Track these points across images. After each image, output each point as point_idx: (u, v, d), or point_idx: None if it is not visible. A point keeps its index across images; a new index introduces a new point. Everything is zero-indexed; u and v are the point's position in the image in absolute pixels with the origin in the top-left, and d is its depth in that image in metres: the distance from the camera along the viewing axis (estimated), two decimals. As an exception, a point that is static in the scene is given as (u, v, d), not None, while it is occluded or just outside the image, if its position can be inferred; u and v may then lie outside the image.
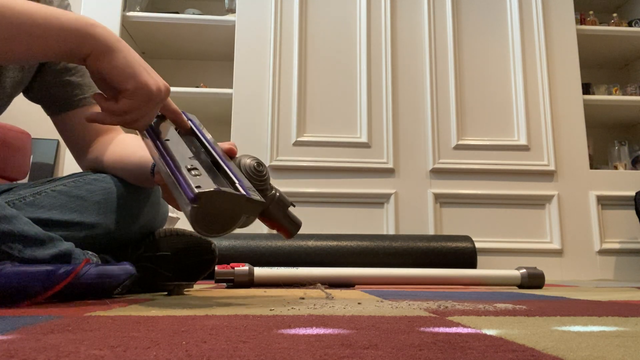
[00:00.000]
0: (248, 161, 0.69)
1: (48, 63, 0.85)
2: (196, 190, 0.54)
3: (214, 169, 0.65)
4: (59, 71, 0.86)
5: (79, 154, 0.93)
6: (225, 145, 0.72)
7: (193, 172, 0.58)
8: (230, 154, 0.71)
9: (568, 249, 2.07)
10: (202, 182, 0.56)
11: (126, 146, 0.88)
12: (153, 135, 0.70)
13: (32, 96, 0.88)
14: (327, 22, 2.21)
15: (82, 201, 0.81)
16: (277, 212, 0.70)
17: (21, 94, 0.88)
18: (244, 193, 0.58)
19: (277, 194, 0.71)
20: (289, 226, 0.72)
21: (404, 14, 2.24)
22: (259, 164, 0.69)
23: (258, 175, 0.68)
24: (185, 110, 0.93)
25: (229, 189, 0.57)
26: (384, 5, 2.23)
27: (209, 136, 0.74)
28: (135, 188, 0.87)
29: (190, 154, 0.65)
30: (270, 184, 0.71)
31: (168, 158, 0.62)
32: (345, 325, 0.42)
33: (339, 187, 2.07)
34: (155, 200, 0.91)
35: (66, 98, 0.87)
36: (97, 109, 0.88)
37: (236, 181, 0.61)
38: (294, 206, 0.73)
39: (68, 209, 0.80)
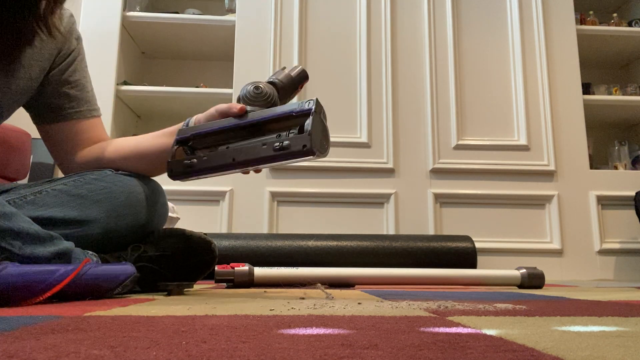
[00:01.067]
0: (248, 87, 0.78)
1: (51, 74, 0.86)
2: (307, 105, 0.70)
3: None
4: (60, 83, 0.87)
5: (64, 159, 0.93)
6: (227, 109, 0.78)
7: (276, 145, 0.70)
8: (240, 111, 0.76)
9: (568, 249, 2.07)
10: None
11: (138, 141, 0.92)
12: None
13: (28, 103, 0.89)
14: (327, 22, 2.21)
15: (83, 200, 0.81)
16: (288, 86, 0.82)
17: None
18: (310, 109, 0.70)
19: (271, 81, 0.81)
20: (301, 81, 0.84)
21: (404, 14, 2.24)
22: (256, 87, 0.77)
23: (260, 97, 0.76)
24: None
25: (308, 120, 0.69)
26: (384, 5, 2.23)
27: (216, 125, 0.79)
28: (135, 187, 0.87)
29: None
30: (272, 91, 0.79)
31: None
32: (345, 325, 0.42)
33: (339, 187, 2.07)
34: (155, 200, 0.91)
35: (61, 109, 0.88)
36: (89, 123, 0.91)
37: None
38: (289, 71, 0.83)
39: (68, 208, 0.80)
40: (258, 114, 0.75)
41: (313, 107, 0.70)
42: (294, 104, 0.73)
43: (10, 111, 0.84)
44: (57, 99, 0.88)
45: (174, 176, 0.77)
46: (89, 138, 0.92)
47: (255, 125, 0.76)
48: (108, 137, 0.97)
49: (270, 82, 0.81)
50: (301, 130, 0.70)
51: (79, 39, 0.90)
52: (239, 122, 0.76)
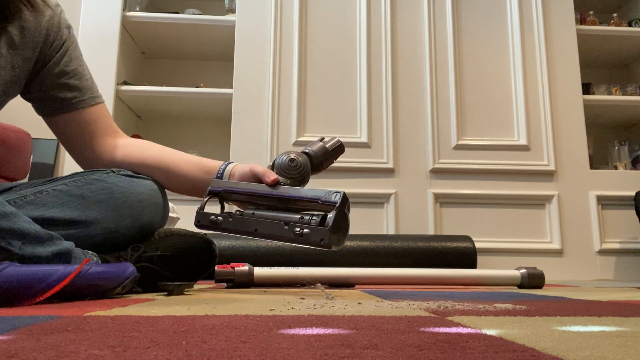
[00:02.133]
0: (283, 158, 0.81)
1: (47, 66, 0.85)
2: (334, 197, 0.73)
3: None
4: (57, 74, 0.87)
5: (80, 154, 0.93)
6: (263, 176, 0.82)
7: (297, 230, 0.74)
8: (272, 182, 0.80)
9: (568, 249, 2.07)
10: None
11: (164, 154, 0.93)
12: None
13: (29, 97, 0.89)
14: (327, 22, 2.21)
15: (83, 200, 0.81)
16: (324, 155, 0.85)
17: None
18: (335, 203, 0.73)
19: (309, 148, 0.84)
20: (336, 149, 0.87)
21: (404, 14, 2.24)
22: (291, 159, 0.81)
23: (293, 169, 0.80)
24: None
25: (331, 214, 0.72)
26: (384, 5, 2.23)
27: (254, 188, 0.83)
28: (136, 188, 0.87)
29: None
30: (300, 151, 0.83)
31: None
32: (345, 325, 0.42)
33: (339, 187, 2.06)
34: (155, 200, 0.91)
35: (64, 100, 0.88)
36: (94, 110, 0.90)
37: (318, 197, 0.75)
38: (323, 139, 0.87)
39: (69, 208, 0.80)
40: (288, 190, 0.78)
41: (338, 202, 0.72)
42: (321, 191, 0.75)
43: (1, 103, 0.83)
44: (58, 91, 0.87)
45: (200, 226, 0.83)
46: (99, 129, 0.92)
47: (283, 200, 0.79)
48: (116, 126, 0.96)
49: (305, 153, 0.84)
50: (323, 220, 0.73)
51: (69, 27, 0.89)
52: (269, 192, 0.79)
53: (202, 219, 0.82)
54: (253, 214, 0.79)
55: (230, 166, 0.90)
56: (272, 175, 0.80)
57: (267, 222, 0.77)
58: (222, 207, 0.85)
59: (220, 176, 0.89)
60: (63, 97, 0.88)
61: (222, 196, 0.84)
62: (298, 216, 0.75)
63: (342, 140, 0.91)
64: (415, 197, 2.08)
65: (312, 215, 0.74)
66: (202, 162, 0.93)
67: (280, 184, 0.80)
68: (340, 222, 0.73)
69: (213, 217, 0.81)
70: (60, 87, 0.87)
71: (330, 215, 0.72)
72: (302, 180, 0.81)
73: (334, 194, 0.73)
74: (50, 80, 0.86)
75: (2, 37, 0.77)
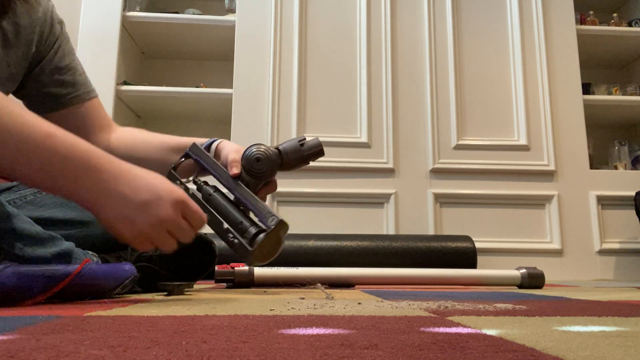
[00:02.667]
0: (253, 151, 0.80)
1: (41, 63, 0.84)
2: (249, 249, 0.73)
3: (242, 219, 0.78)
4: (52, 71, 0.86)
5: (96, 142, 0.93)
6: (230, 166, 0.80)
7: (230, 236, 0.75)
8: (232, 175, 0.79)
9: (568, 249, 2.07)
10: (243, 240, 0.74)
11: (145, 144, 0.92)
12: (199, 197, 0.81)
13: (23, 94, 0.87)
14: (327, 22, 2.21)
15: (83, 201, 0.81)
16: (296, 156, 0.82)
17: None
18: (268, 227, 0.74)
19: (283, 145, 0.82)
20: (313, 152, 0.83)
21: (404, 14, 2.24)
22: (257, 158, 0.79)
23: (256, 167, 0.79)
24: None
25: (261, 236, 0.73)
26: (384, 5, 2.23)
27: (220, 172, 0.82)
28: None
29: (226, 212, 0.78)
30: (272, 147, 0.82)
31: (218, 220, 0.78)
32: (345, 325, 0.42)
33: (339, 187, 2.07)
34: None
35: (59, 97, 0.87)
36: (88, 105, 0.90)
37: (259, 223, 0.75)
38: (303, 140, 0.84)
39: (69, 208, 0.80)
40: (241, 191, 0.79)
41: (271, 228, 0.73)
42: (266, 209, 0.76)
43: None
44: (53, 87, 0.86)
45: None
46: (94, 124, 0.91)
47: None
48: (110, 119, 0.96)
49: (277, 149, 0.83)
50: (255, 237, 0.74)
51: (61, 23, 0.88)
52: (226, 184, 0.80)
53: (171, 178, 0.82)
54: (210, 195, 0.80)
55: (220, 140, 0.89)
56: (234, 169, 0.80)
57: (215, 215, 0.78)
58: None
59: (206, 146, 0.87)
60: (57, 94, 0.87)
61: (196, 162, 0.84)
62: (240, 220, 0.77)
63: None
64: (415, 197, 2.08)
65: (251, 225, 0.75)
66: (171, 143, 0.91)
67: (240, 178, 0.80)
68: (269, 246, 0.74)
69: (178, 182, 0.82)
70: (55, 83, 0.86)
71: (260, 237, 0.73)
72: (261, 178, 0.81)
73: (272, 218, 0.74)
74: (45, 77, 0.85)
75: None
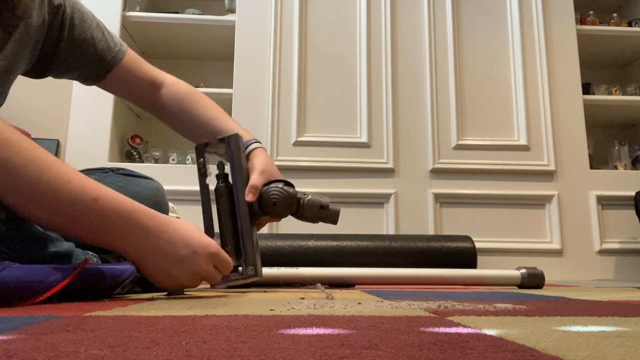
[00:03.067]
0: (273, 192, 0.82)
1: (60, 46, 0.82)
2: (249, 271, 0.80)
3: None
4: (73, 49, 0.83)
5: (147, 106, 0.95)
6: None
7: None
8: (248, 200, 0.82)
9: (568, 249, 2.07)
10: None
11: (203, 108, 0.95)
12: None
13: (64, 77, 0.87)
14: (327, 22, 2.21)
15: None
16: (311, 214, 0.84)
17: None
18: (243, 273, 0.80)
19: (305, 199, 0.84)
20: (326, 220, 0.86)
21: (404, 14, 2.24)
22: (274, 203, 0.82)
23: (270, 206, 0.82)
24: None
25: (232, 278, 0.80)
26: (384, 5, 2.23)
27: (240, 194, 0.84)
28: (134, 187, 0.87)
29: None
30: (295, 194, 0.84)
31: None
32: (345, 325, 0.42)
33: (339, 187, 2.07)
34: (154, 199, 0.91)
35: (100, 65, 0.86)
36: (122, 66, 0.88)
37: (244, 265, 0.81)
38: (325, 206, 0.85)
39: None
40: (244, 222, 0.81)
41: (244, 276, 0.80)
42: (251, 256, 0.80)
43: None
44: (90, 61, 0.85)
45: (195, 148, 0.87)
46: (139, 83, 0.92)
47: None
48: (158, 73, 0.96)
49: (299, 199, 0.84)
50: (234, 270, 0.80)
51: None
52: (238, 199, 0.82)
53: (198, 150, 0.85)
54: (221, 196, 0.83)
55: (256, 148, 0.89)
56: (250, 195, 0.82)
57: (210, 209, 0.82)
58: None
59: (244, 148, 0.89)
60: (97, 64, 0.86)
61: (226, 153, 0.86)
62: (227, 243, 0.82)
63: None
64: (415, 197, 2.08)
65: (230, 257, 0.76)
66: (216, 127, 0.92)
67: (252, 204, 0.82)
68: (235, 284, 0.82)
69: (202, 159, 0.85)
70: (82, 57, 0.84)
71: (232, 278, 0.80)
72: (271, 216, 0.84)
73: (250, 269, 0.80)
74: (71, 56, 0.83)
75: (12, 35, 0.73)
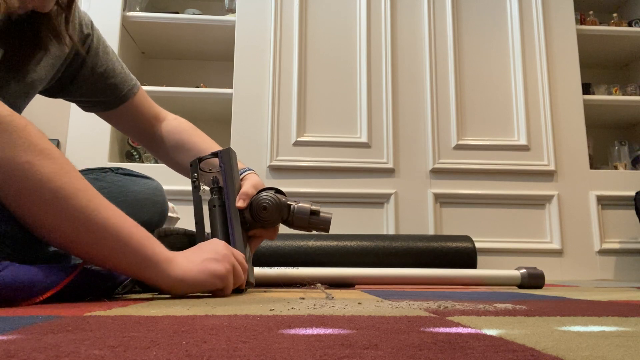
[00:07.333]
0: (264, 200, 0.82)
1: (80, 73, 0.86)
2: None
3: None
4: (93, 79, 0.87)
5: (145, 138, 0.98)
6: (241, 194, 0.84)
7: None
8: (239, 207, 0.82)
9: (568, 249, 2.07)
10: None
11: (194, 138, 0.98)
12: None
13: (78, 101, 0.92)
14: (327, 22, 2.21)
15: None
16: (301, 222, 0.84)
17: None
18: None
19: (295, 206, 0.84)
20: (318, 227, 0.85)
21: (404, 14, 2.24)
22: (264, 207, 0.82)
23: (258, 214, 0.82)
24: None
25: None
26: (384, 5, 2.23)
27: (232, 201, 0.84)
28: (134, 187, 0.87)
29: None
30: (286, 201, 0.84)
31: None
32: (345, 325, 0.42)
33: (339, 187, 2.07)
34: (154, 199, 0.91)
35: (116, 95, 0.90)
36: (140, 94, 0.93)
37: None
38: (316, 212, 0.85)
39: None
40: (234, 230, 0.82)
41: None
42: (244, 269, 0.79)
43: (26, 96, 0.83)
44: (104, 92, 0.89)
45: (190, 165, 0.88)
46: (145, 117, 0.95)
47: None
48: (158, 109, 0.99)
49: (289, 205, 0.85)
50: None
51: (91, 26, 0.87)
52: (230, 209, 0.82)
53: (192, 166, 0.87)
54: (214, 207, 0.84)
55: (249, 174, 0.91)
56: (241, 202, 0.83)
57: (203, 219, 0.83)
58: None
59: (233, 161, 0.90)
60: (111, 95, 0.90)
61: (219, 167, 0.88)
62: None
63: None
64: (415, 197, 2.08)
65: None
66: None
67: (243, 213, 0.83)
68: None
69: (195, 174, 0.86)
70: (104, 89, 0.89)
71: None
72: (261, 224, 0.84)
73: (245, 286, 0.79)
74: (88, 86, 0.88)
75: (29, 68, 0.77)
